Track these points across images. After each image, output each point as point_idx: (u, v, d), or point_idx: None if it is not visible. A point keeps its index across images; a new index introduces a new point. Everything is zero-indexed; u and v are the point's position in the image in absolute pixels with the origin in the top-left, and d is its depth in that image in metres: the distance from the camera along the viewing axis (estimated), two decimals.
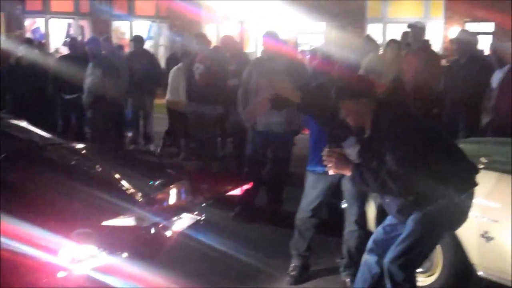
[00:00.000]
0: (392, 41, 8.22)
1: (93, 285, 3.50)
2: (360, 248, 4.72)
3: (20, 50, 9.02)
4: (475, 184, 3.71)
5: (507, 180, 4.08)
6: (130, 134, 10.05)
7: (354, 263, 4.74)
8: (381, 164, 3.54)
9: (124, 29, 16.66)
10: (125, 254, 3.63)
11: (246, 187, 4.74)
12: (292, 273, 4.89)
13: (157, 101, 10.35)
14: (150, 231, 3.88)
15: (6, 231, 3.34)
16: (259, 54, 7.17)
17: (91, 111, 8.75)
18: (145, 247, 3.83)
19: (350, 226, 4.72)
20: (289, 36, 13.37)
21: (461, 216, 3.73)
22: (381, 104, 3.70)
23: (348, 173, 3.71)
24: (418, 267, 3.89)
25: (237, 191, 4.76)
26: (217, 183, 4.85)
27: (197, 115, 8.03)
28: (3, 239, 3.32)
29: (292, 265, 4.94)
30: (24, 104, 8.40)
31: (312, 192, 4.78)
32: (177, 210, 4.19)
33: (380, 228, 4.04)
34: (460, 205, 3.68)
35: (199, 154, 8.31)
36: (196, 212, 4.28)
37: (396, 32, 14.14)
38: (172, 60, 9.73)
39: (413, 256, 3.71)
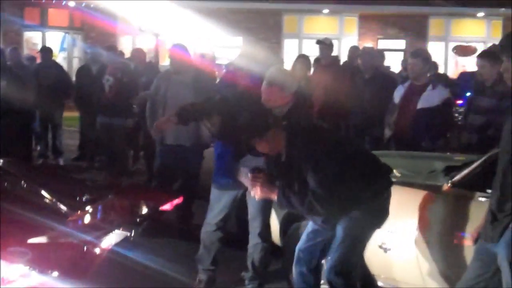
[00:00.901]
0: (301, 56, 8.37)
1: None
2: (264, 261, 4.77)
3: None
4: (391, 183, 3.89)
5: (401, 191, 4.21)
6: (39, 148, 9.76)
7: (258, 276, 4.77)
8: (304, 186, 3.61)
9: (36, 40, 16.22)
10: (56, 273, 3.50)
11: (176, 201, 4.67)
12: (198, 287, 4.86)
13: (67, 114, 10.11)
14: (81, 249, 3.76)
15: None
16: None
17: None
18: (77, 265, 3.71)
19: (254, 239, 4.74)
20: (206, 49, 13.37)
21: (384, 213, 3.88)
22: (291, 128, 3.75)
23: (274, 197, 3.75)
24: (356, 270, 3.94)
25: (167, 206, 4.69)
26: (147, 199, 4.77)
27: (107, 128, 7.91)
28: None
29: (198, 279, 4.90)
30: None
31: (216, 205, 4.78)
32: (106, 226, 4.08)
33: (303, 236, 4.10)
34: (381, 203, 3.84)
35: (110, 168, 8.17)
36: (124, 229, 4.17)
37: (311, 47, 14.46)
38: (83, 72, 9.53)
39: (349, 261, 3.81)
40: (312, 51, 10.31)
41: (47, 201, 4.10)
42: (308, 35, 17.60)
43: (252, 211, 4.67)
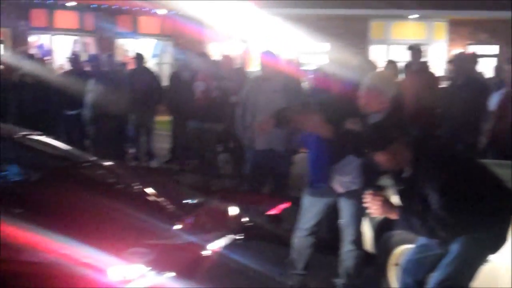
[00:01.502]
0: (390, 62, 8.27)
1: None
2: (357, 268, 4.73)
3: (23, 66, 9.08)
4: None
5: None
6: (132, 151, 10.07)
7: (351, 283, 4.74)
8: (426, 208, 3.50)
9: (128, 47, 16.75)
10: (172, 274, 3.59)
11: (284, 206, 4.71)
12: None
13: (159, 118, 10.39)
14: (196, 251, 3.85)
15: (54, 250, 3.35)
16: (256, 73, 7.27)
17: (93, 127, 8.81)
18: (191, 266, 3.80)
19: (346, 245, 4.71)
20: (292, 55, 13.41)
21: (503, 238, 3.71)
22: (419, 145, 3.61)
23: (393, 217, 3.65)
24: None
25: (275, 211, 4.73)
26: (255, 203, 4.83)
27: (198, 132, 8.09)
28: (52, 259, 3.33)
29: (289, 284, 4.92)
30: (27, 119, 8.44)
31: (309, 210, 4.78)
32: (216, 229, 4.17)
33: (414, 248, 4.00)
34: (502, 228, 3.68)
35: (200, 171, 8.34)
36: (232, 232, 4.23)
37: (399, 53, 14.24)
38: (174, 77, 9.77)
39: (460, 279, 3.66)
40: (399, 57, 10.17)
41: (160, 203, 4.20)
42: (396, 41, 17.34)
43: (346, 217, 4.65)
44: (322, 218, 4.85)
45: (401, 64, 8.96)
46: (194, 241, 3.83)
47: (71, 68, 9.78)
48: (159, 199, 4.27)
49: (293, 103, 5.54)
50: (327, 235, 5.62)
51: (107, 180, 4.67)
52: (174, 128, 9.89)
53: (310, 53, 16.85)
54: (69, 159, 4.96)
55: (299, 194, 5.08)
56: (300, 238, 4.85)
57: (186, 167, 9.44)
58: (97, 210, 3.86)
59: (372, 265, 4.92)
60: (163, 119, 10.56)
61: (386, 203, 3.64)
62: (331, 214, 4.87)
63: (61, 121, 9.25)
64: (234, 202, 4.59)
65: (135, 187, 4.53)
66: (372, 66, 5.80)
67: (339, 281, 4.83)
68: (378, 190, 3.66)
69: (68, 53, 12.53)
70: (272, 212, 4.53)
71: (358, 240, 4.70)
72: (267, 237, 5.95)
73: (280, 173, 6.47)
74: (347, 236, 4.70)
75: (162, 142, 10.61)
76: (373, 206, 3.65)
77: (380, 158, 3.61)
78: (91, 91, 8.64)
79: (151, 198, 4.32)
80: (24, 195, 4.04)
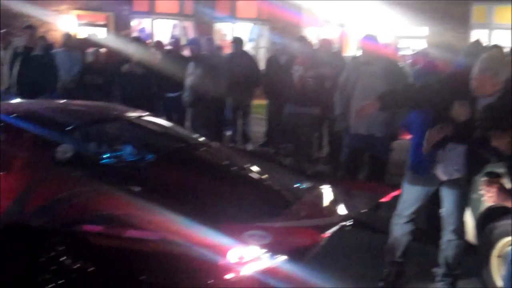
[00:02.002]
0: (496, 46, 7.94)
1: (259, 286, 3.53)
2: (458, 258, 4.62)
3: (127, 49, 9.38)
4: None
5: None
6: (229, 133, 10.24)
7: (451, 273, 4.63)
8: None
9: (225, 31, 16.96)
10: (285, 257, 3.62)
11: (395, 193, 4.67)
12: (386, 279, 4.83)
13: (255, 102, 10.49)
14: (309, 235, 3.87)
15: (175, 231, 3.46)
16: (356, 58, 7.20)
17: (192, 110, 9.01)
18: (303, 250, 3.82)
19: (448, 235, 4.61)
20: (390, 40, 13.17)
21: None
22: None
23: (510, 205, 3.51)
24: None
25: (387, 198, 4.71)
26: (366, 190, 4.81)
27: (294, 117, 8.10)
28: (172, 239, 3.44)
29: (385, 271, 4.87)
30: (129, 101, 8.74)
31: (408, 197, 4.70)
32: (327, 214, 4.18)
33: None
34: None
35: (295, 155, 8.36)
36: (344, 218, 4.21)
37: (502, 38, 13.66)
38: (271, 62, 9.82)
39: None
40: (503, 42, 9.75)
41: (273, 186, 4.23)
42: (499, 25, 16.64)
43: (448, 206, 4.54)
44: (421, 206, 4.76)
45: (506, 50, 8.61)
46: (306, 226, 3.84)
47: (172, 51, 10.03)
48: (272, 183, 4.30)
49: (395, 87, 5.45)
50: (425, 223, 5.52)
51: (222, 162, 4.72)
52: (270, 111, 9.96)
53: (408, 37, 16.51)
54: (184, 140, 5.06)
55: (397, 181, 5.01)
56: (398, 225, 4.78)
57: (280, 151, 9.49)
58: (214, 191, 3.95)
59: (473, 255, 4.79)
60: (259, 102, 10.65)
61: (503, 190, 3.49)
62: (431, 202, 4.78)
63: (161, 103, 9.51)
64: (345, 188, 4.56)
65: (248, 170, 4.56)
66: (483, 49, 5.62)
67: (439, 270, 4.73)
68: (494, 177, 3.52)
69: (168, 37, 12.87)
70: (384, 199, 4.47)
71: (460, 229, 4.58)
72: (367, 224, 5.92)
73: (378, 159, 6.39)
74: (448, 225, 4.59)
75: (257, 126, 10.72)
76: (488, 194, 3.51)
77: (499, 142, 3.46)
78: (191, 74, 8.82)
79: (264, 182, 4.35)
80: (142, 175, 4.17)
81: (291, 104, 8.15)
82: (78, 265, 3.70)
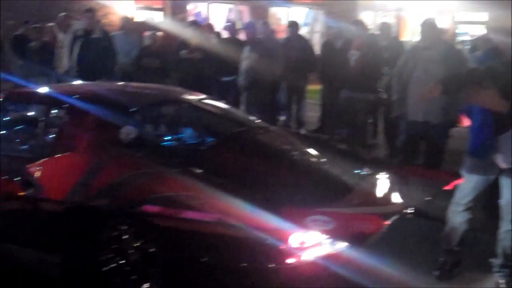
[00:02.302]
0: None
1: (321, 272, 3.51)
2: None
3: (185, 33, 9.45)
4: None
5: None
6: (282, 118, 10.22)
7: (509, 264, 4.53)
8: None
9: (281, 15, 16.89)
10: (345, 243, 3.59)
11: (457, 182, 4.57)
12: (442, 268, 4.76)
13: (309, 87, 10.43)
14: (371, 221, 3.81)
15: (237, 214, 3.45)
16: (415, 43, 7.10)
17: (247, 94, 9.03)
18: (363, 237, 3.76)
19: (506, 225, 4.50)
20: (449, 25, 12.91)
21: None
22: None
23: None
24: None
25: (450, 187, 4.61)
26: (429, 178, 4.71)
27: (350, 102, 8.03)
28: (233, 222, 3.43)
29: (441, 259, 4.80)
30: (187, 84, 8.82)
31: (466, 186, 4.60)
32: (389, 201, 4.11)
33: None
34: None
35: (349, 141, 8.30)
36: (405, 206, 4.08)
37: None
38: (327, 46, 9.73)
39: None
40: None
41: (334, 172, 4.18)
42: None
43: (508, 196, 4.43)
44: (480, 194, 4.66)
45: None
46: (370, 212, 3.78)
47: (227, 35, 10.05)
48: (332, 168, 4.24)
49: (454, 72, 5.34)
50: (483, 212, 5.41)
51: (282, 146, 4.64)
52: (324, 96, 9.89)
53: (466, 23, 16.16)
54: (245, 123, 5.01)
55: (454, 169, 4.91)
56: (456, 213, 4.69)
57: (334, 136, 9.44)
58: (275, 175, 3.90)
59: None
60: (313, 88, 10.59)
61: None
62: (489, 191, 4.68)
63: (216, 87, 9.56)
64: (405, 175, 4.48)
65: (308, 154, 4.48)
66: None
67: (496, 261, 4.63)
68: None
69: (223, 21, 12.91)
70: (448, 187, 4.37)
71: None
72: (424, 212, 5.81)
73: (434, 146, 6.28)
74: (507, 215, 4.48)
75: (311, 111, 10.67)
76: None
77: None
78: (246, 58, 8.83)
79: (325, 166, 4.26)
80: (203, 157, 4.16)
81: (347, 89, 8.08)
82: (140, 245, 3.76)
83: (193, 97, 5.17)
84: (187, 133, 4.76)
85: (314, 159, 4.40)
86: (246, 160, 4.07)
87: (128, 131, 4.09)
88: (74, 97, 4.46)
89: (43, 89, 5.00)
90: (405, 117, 6.35)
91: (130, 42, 9.50)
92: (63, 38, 9.52)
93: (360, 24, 9.00)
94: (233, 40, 9.63)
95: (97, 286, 3.94)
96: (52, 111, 4.55)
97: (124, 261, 3.86)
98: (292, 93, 9.96)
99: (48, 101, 4.62)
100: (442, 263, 4.77)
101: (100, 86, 5.38)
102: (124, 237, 3.84)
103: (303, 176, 3.97)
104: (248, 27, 9.50)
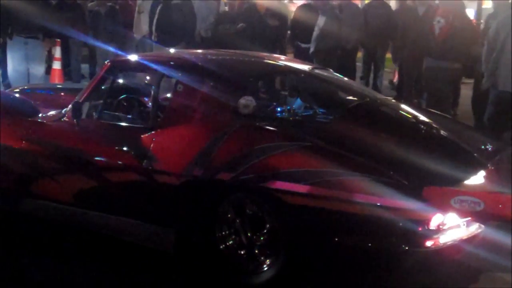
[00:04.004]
0: None
1: (459, 255, 3.36)
2: None
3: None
4: None
5: None
6: None
7: None
8: None
9: None
10: (495, 225, 3.39)
11: None
12: None
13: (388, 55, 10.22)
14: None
15: (371, 192, 3.24)
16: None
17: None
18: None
19: None
20: None
21: None
22: None
23: None
24: None
25: None
26: None
27: (433, 71, 7.80)
28: (367, 201, 3.24)
29: None
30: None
31: None
32: None
33: None
34: None
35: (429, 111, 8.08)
36: None
37: None
38: (408, 13, 9.46)
39: None
40: None
41: (464, 147, 3.84)
42: None
43: None
44: None
45: None
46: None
47: (306, 2, 9.92)
48: (460, 143, 3.88)
49: None
50: None
51: (410, 120, 4.21)
52: (403, 65, 9.65)
53: None
54: (365, 94, 4.59)
55: None
56: None
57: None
58: (411, 151, 3.57)
59: None
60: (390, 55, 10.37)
61: None
62: None
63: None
64: None
65: (439, 130, 4.06)
66: None
67: None
68: None
69: None
70: None
71: None
72: None
73: None
74: None
75: (385, 80, 10.48)
76: None
77: None
78: (318, 25, 8.66)
79: (457, 141, 3.91)
80: (333, 131, 3.84)
81: (430, 58, 7.84)
82: (263, 222, 3.60)
83: (305, 66, 4.83)
84: (300, 105, 4.46)
85: (445, 133, 3.99)
86: (377, 134, 3.74)
87: (247, 103, 3.86)
88: (188, 66, 4.30)
89: (152, 58, 4.79)
90: (495, 88, 6.13)
91: (208, 8, 9.48)
92: (142, 3, 9.59)
93: None
94: (311, 7, 9.46)
95: (213, 263, 3.81)
96: (162, 80, 4.32)
97: (244, 239, 3.70)
98: (370, 61, 9.78)
99: (159, 70, 4.31)
100: None
101: (212, 54, 4.98)
102: (245, 213, 3.67)
103: (440, 151, 3.64)
104: None
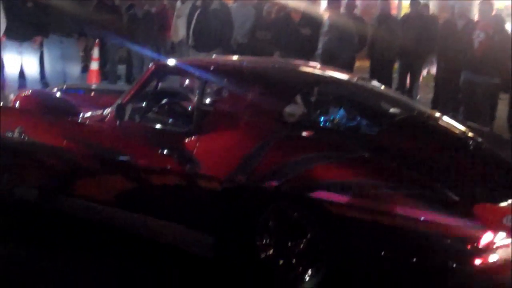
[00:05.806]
0: None
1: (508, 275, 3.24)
2: None
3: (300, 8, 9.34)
4: None
5: None
6: None
7: None
8: None
9: None
10: None
11: None
12: None
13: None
14: None
15: (418, 207, 3.19)
16: None
17: None
18: None
19: None
20: None
21: None
22: None
23: None
24: None
25: None
26: None
27: (471, 85, 7.72)
28: (414, 216, 3.18)
29: None
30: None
31: None
32: None
33: None
34: None
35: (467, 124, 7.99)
36: None
37: None
38: (448, 26, 9.35)
39: None
40: None
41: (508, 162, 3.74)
42: None
43: None
44: None
45: None
46: None
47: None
48: (508, 159, 3.77)
49: None
50: None
51: (459, 135, 4.05)
52: (439, 78, 9.55)
53: None
54: (410, 107, 4.53)
55: None
56: None
57: None
58: (463, 167, 3.51)
59: None
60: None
61: None
62: None
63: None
64: None
65: (485, 145, 3.92)
66: None
67: None
68: None
69: None
70: None
71: None
72: None
73: None
74: None
75: (422, 92, 10.38)
76: None
77: None
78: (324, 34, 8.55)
79: (498, 156, 3.80)
80: (379, 143, 3.74)
81: (467, 71, 7.77)
82: (306, 232, 3.56)
83: (350, 76, 4.82)
84: (343, 115, 4.42)
85: (494, 150, 3.88)
86: (425, 148, 3.67)
87: (293, 111, 3.86)
88: (235, 72, 4.32)
89: (197, 63, 4.78)
90: None
91: (245, 14, 9.50)
92: (181, 7, 9.65)
93: (485, 3, 8.61)
94: (350, 17, 9.40)
95: (252, 272, 3.77)
96: (206, 86, 4.32)
97: (285, 249, 3.65)
98: (406, 73, 9.70)
99: (204, 76, 4.28)
100: None
101: (258, 62, 4.98)
102: (287, 222, 3.62)
103: (490, 168, 3.57)
104: (331, 3, 9.06)
